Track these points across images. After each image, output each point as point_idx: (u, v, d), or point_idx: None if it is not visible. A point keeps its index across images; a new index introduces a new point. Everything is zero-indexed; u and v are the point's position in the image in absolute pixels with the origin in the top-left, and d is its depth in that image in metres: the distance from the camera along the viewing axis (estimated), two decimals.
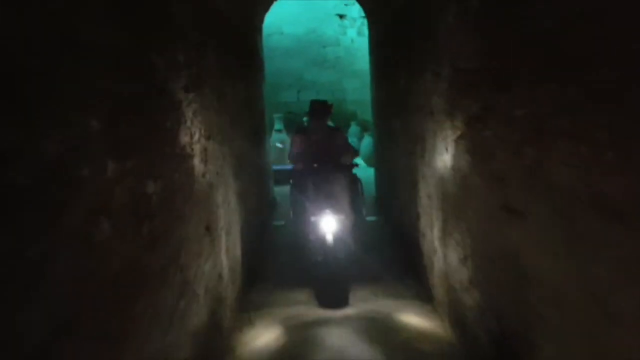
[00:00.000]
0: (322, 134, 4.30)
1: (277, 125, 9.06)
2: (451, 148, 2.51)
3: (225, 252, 2.76)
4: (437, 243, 2.98)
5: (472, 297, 2.34)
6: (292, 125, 9.07)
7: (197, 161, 2.12)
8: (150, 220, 1.53)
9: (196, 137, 2.12)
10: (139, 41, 1.52)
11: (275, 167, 6.95)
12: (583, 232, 1.31)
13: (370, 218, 5.25)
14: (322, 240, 3.59)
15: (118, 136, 1.31)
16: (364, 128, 9.61)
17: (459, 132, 2.37)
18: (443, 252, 2.84)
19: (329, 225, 3.57)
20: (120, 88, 1.35)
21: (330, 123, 4.81)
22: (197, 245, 2.11)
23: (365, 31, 8.71)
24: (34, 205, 0.96)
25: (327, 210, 3.60)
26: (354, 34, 10.38)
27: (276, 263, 4.17)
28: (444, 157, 2.65)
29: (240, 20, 4.08)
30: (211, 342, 2.33)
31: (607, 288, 1.22)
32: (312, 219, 3.68)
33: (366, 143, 8.92)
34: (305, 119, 8.26)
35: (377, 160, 6.47)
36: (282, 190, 6.42)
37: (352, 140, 9.92)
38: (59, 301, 1.06)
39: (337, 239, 3.61)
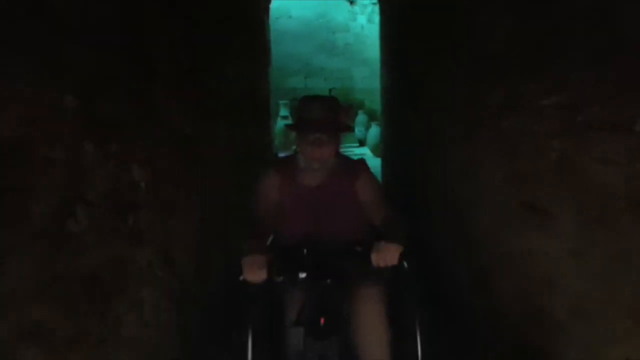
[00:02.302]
0: (325, 175, 1.67)
1: (283, 111, 8.88)
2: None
3: None
4: None
5: None
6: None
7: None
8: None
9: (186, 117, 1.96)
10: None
11: (281, 155, 6.80)
12: (618, 236, 1.16)
13: None
14: None
15: (98, 114, 1.16)
16: (370, 117, 9.43)
17: (479, 123, 2.20)
18: None
19: None
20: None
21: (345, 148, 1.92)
22: None
23: (376, 18, 8.47)
24: None
25: None
26: (364, 21, 10.12)
27: None
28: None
29: None
30: None
31: None
32: None
33: (373, 132, 8.75)
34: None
35: (385, 151, 6.30)
36: None
37: (359, 130, 9.72)
38: (22, 303, 0.93)
39: None
